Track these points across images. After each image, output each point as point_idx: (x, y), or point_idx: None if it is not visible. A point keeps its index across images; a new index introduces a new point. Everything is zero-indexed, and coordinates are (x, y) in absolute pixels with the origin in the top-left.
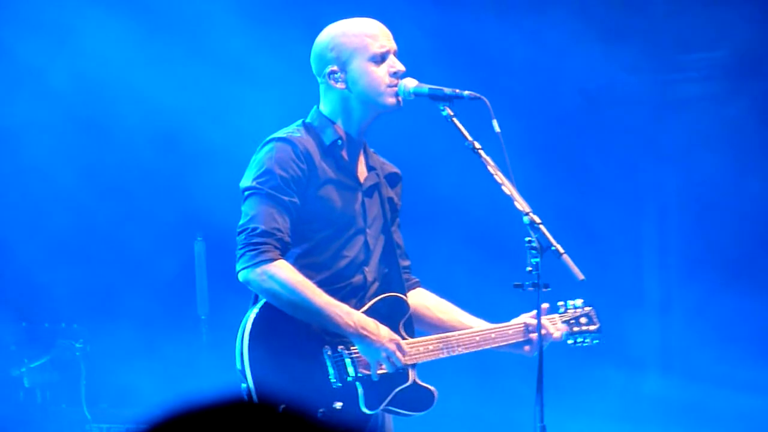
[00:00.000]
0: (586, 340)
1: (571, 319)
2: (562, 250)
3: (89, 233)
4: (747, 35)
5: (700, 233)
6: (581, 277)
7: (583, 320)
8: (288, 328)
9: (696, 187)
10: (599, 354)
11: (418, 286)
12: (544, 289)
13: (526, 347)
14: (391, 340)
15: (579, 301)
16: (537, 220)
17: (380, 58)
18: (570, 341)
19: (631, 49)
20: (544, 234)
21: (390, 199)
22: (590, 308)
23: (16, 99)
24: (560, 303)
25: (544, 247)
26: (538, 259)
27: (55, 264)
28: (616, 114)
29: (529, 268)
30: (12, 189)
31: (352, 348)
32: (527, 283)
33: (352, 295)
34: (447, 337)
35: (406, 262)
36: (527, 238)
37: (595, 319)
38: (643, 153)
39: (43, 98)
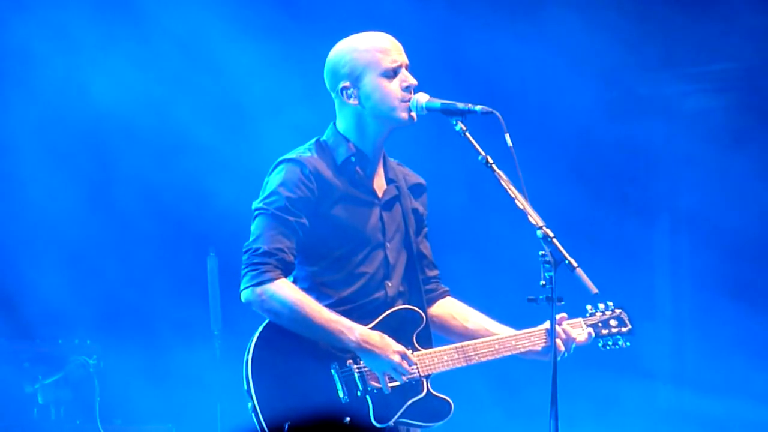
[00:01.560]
0: (618, 343)
1: (599, 322)
2: (575, 264)
3: (102, 249)
4: (761, 47)
5: (712, 245)
6: (594, 290)
7: (613, 323)
8: (293, 346)
9: (708, 199)
10: (612, 366)
11: (447, 295)
12: (558, 303)
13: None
14: (396, 351)
15: (609, 304)
16: (550, 234)
17: (392, 73)
18: (600, 344)
19: (646, 61)
20: (557, 248)
21: (415, 210)
22: (620, 310)
23: (24, 112)
24: (588, 306)
25: (558, 261)
26: (551, 273)
27: (67, 280)
28: (628, 126)
29: (542, 282)
30: (24, 206)
31: (360, 363)
32: (541, 296)
33: (374, 312)
34: (464, 346)
35: (434, 272)
36: (541, 252)
37: (627, 321)
38: (655, 165)
39: (49, 113)
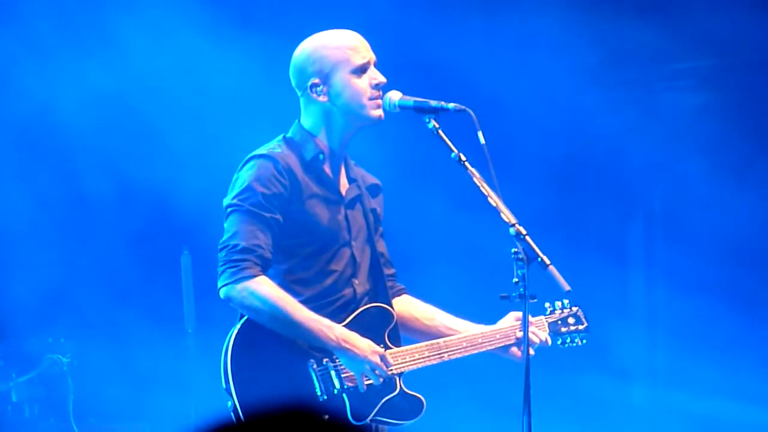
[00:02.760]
0: (575, 340)
1: (558, 320)
2: (548, 261)
3: (75, 247)
4: (735, 44)
5: (686, 243)
6: (567, 288)
7: (570, 320)
8: (271, 343)
9: (682, 197)
10: (586, 364)
11: (404, 293)
12: (530, 300)
13: (514, 350)
14: (374, 352)
15: (565, 302)
16: (523, 231)
17: (361, 70)
18: (558, 342)
19: (618, 58)
20: (530, 245)
21: (373, 210)
22: (577, 308)
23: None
24: (547, 304)
25: (531, 258)
26: (524, 270)
27: (41, 278)
28: (601, 124)
29: (515, 280)
30: None
31: (337, 361)
32: (514, 294)
33: (343, 309)
34: (434, 344)
35: (391, 270)
36: (513, 250)
37: (583, 319)
38: (629, 162)
39: (22, 112)
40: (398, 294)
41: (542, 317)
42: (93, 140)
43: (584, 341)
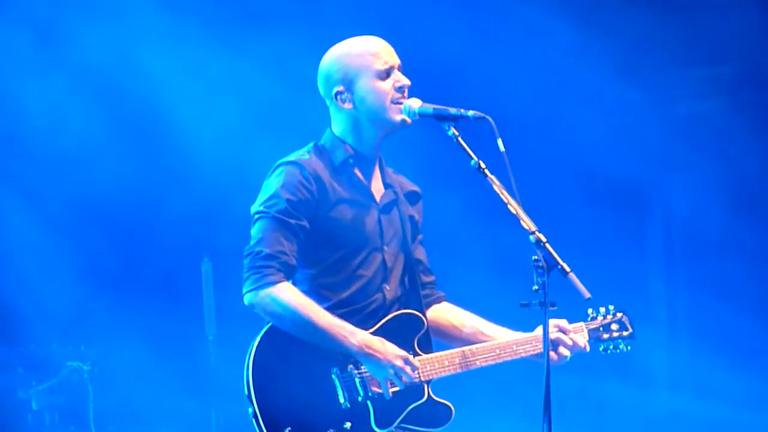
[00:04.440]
0: (618, 347)
1: (600, 327)
2: (568, 269)
3: (96, 255)
4: (751, 51)
5: (707, 249)
6: (588, 295)
7: (614, 326)
8: (294, 350)
9: (703, 203)
10: (607, 371)
11: (443, 301)
12: (550, 308)
13: (551, 354)
14: (398, 356)
15: (611, 308)
16: (543, 238)
17: (385, 75)
18: (601, 348)
19: (638, 64)
20: (550, 253)
21: (411, 217)
22: (622, 314)
23: (17, 116)
24: (590, 310)
25: (551, 266)
26: (544, 278)
27: (62, 286)
28: (622, 131)
29: (535, 287)
30: (18, 212)
31: (361, 368)
32: (534, 301)
33: (372, 315)
34: (465, 351)
35: (430, 278)
36: (533, 257)
37: (628, 325)
38: (649, 169)
39: (48, 122)
40: (437, 301)
41: (582, 323)
42: (112, 148)
43: (629, 348)
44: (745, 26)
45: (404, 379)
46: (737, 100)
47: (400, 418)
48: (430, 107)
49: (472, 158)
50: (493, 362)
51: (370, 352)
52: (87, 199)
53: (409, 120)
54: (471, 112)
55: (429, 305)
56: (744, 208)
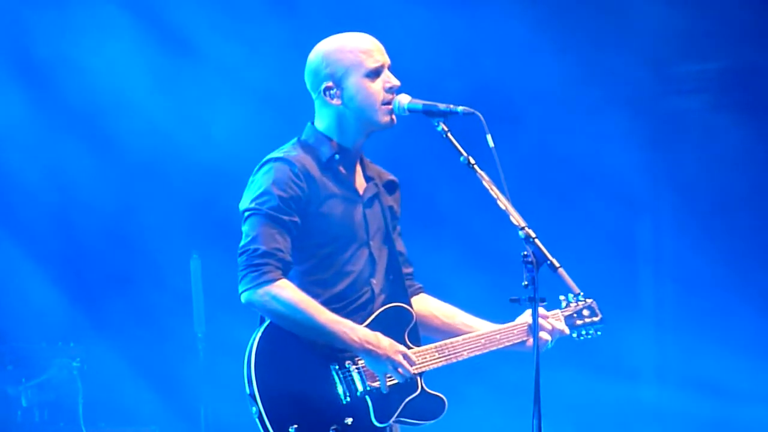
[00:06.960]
0: (590, 332)
1: (573, 313)
2: (557, 264)
3: (85, 252)
4: (740, 48)
5: (694, 242)
6: (577, 290)
7: (585, 312)
8: (294, 347)
9: (691, 196)
10: (595, 364)
11: (421, 292)
12: (540, 304)
13: (531, 342)
14: (397, 351)
15: (580, 294)
16: (532, 234)
17: (375, 74)
18: (574, 334)
19: (626, 60)
20: (539, 248)
21: (390, 208)
22: (591, 300)
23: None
24: (561, 297)
25: (540, 261)
26: (534, 274)
27: (50, 283)
28: (611, 125)
29: (525, 283)
30: (6, 209)
31: (359, 362)
32: (524, 297)
33: (361, 309)
34: (453, 342)
35: (409, 269)
36: (523, 253)
37: (597, 310)
38: (638, 163)
39: (37, 117)
40: (416, 293)
41: (558, 311)
42: (99, 145)
43: (599, 333)
44: (735, 23)
45: (402, 372)
46: (727, 96)
47: (397, 412)
48: (419, 103)
49: (461, 154)
50: (479, 352)
51: (370, 347)
52: (76, 196)
53: (395, 121)
54: (460, 108)
55: (410, 296)
56: (730, 203)
